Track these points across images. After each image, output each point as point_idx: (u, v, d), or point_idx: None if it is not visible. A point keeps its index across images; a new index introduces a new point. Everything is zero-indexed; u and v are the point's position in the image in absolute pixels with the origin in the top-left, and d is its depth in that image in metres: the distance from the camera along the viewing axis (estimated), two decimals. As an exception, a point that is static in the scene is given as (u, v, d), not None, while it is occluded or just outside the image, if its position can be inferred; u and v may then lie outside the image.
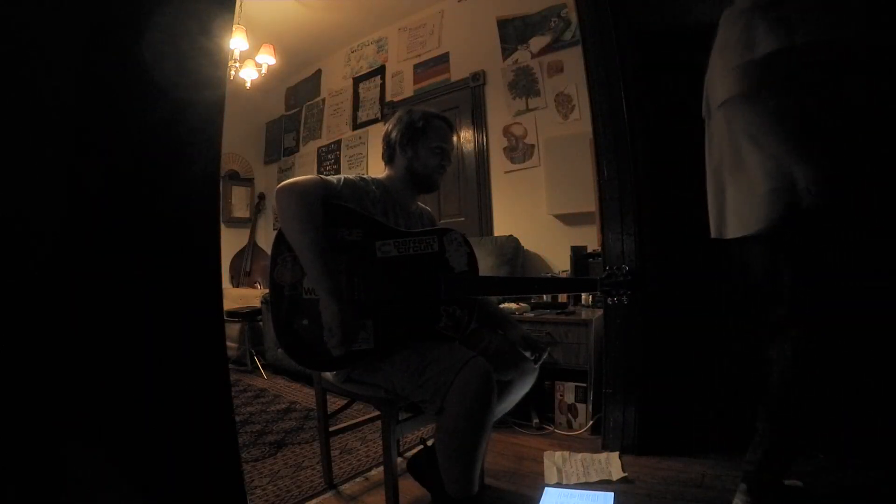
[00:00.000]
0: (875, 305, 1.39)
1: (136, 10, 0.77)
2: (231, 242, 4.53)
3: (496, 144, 3.18)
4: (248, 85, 3.59)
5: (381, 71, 3.95)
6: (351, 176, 1.34)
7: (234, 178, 4.80)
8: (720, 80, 1.23)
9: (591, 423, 2.07)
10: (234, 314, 3.56)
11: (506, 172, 3.14)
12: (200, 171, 0.86)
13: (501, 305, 2.26)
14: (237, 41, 3.16)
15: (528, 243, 2.93)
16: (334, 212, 1.24)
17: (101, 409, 0.73)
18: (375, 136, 3.91)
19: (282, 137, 4.89)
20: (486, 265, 2.68)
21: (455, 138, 1.48)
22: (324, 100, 4.45)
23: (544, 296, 2.53)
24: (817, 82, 1.12)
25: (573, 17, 2.75)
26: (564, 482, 1.61)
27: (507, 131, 3.13)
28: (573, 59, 2.76)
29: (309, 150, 4.56)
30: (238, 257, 4.57)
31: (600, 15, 1.91)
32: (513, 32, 3.11)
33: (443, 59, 3.51)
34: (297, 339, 1.23)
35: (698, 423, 1.84)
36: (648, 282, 1.76)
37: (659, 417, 1.84)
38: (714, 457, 1.70)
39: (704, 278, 1.73)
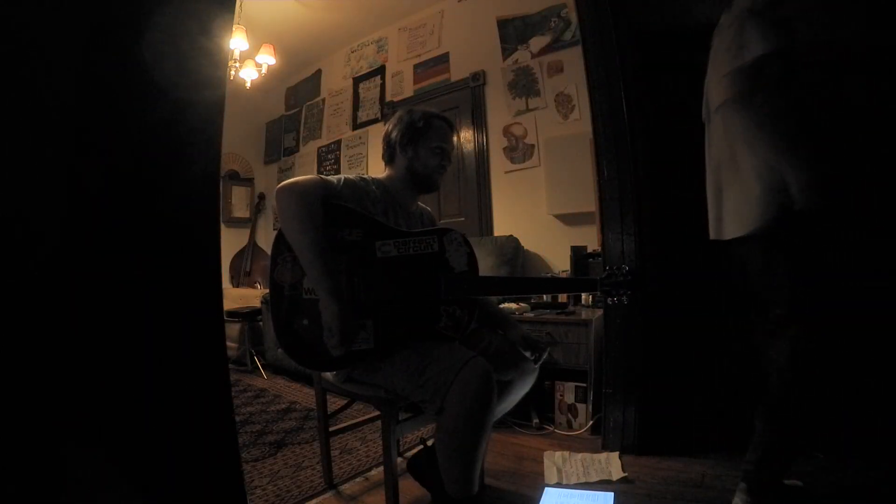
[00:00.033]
0: (871, 305, 1.41)
1: (136, 10, 0.77)
2: (231, 242, 4.53)
3: (496, 144, 3.18)
4: (248, 85, 3.59)
5: (381, 71, 3.95)
6: (351, 176, 1.34)
7: (234, 178, 4.80)
8: (715, 86, 1.25)
9: (591, 423, 2.07)
10: (234, 314, 3.56)
11: (506, 172, 3.14)
12: (200, 171, 0.86)
13: (501, 305, 2.26)
14: (237, 41, 3.16)
15: (528, 243, 2.93)
16: (334, 212, 1.24)
17: (101, 409, 0.73)
18: (375, 136, 3.91)
19: (282, 137, 4.89)
20: (486, 265, 2.68)
21: (455, 138, 1.48)
22: (324, 100, 4.45)
23: (544, 296, 2.53)
24: (807, 84, 1.14)
25: (573, 17, 2.75)
26: (564, 482, 1.61)
27: (507, 131, 3.13)
28: (573, 59, 2.76)
29: (309, 150, 4.56)
30: (238, 257, 4.57)
31: (600, 15, 1.91)
32: (513, 32, 3.11)
33: (443, 59, 3.51)
34: (297, 339, 1.23)
35: (698, 423, 1.84)
36: (648, 282, 1.76)
37: (659, 417, 1.84)
38: (714, 457, 1.70)
39: (704, 278, 1.73)
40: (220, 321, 0.92)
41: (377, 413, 1.61)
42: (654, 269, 1.84)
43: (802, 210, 1.09)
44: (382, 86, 3.93)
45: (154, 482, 0.76)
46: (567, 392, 2.16)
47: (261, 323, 3.58)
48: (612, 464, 1.71)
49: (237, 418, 2.35)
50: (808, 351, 1.20)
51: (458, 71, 3.41)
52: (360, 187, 1.33)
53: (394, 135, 1.40)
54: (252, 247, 4.62)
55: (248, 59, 3.52)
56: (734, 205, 1.24)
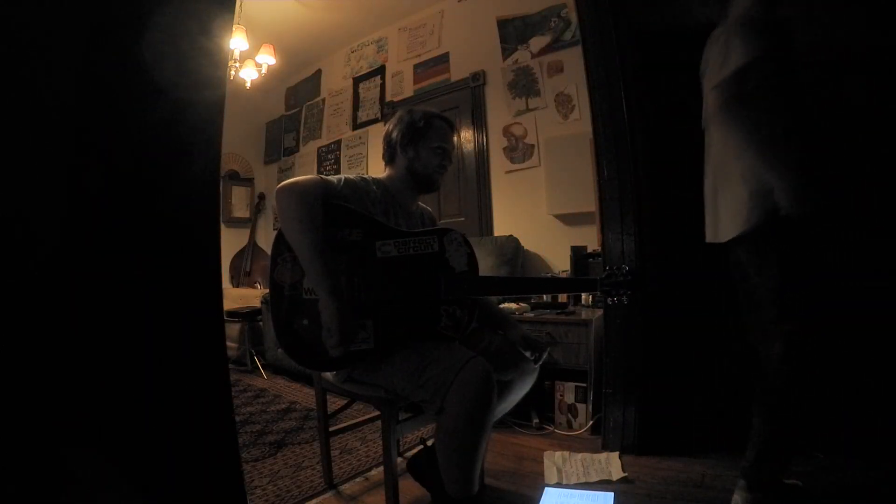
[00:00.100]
0: (862, 304, 1.47)
1: (136, 10, 0.77)
2: (231, 242, 4.53)
3: (496, 144, 3.18)
4: (248, 85, 3.59)
5: (381, 71, 3.95)
6: (351, 176, 1.34)
7: (234, 178, 4.80)
8: (707, 96, 1.31)
9: (591, 423, 2.07)
10: (234, 314, 3.56)
11: (506, 172, 3.14)
12: (200, 171, 0.86)
13: (501, 305, 2.26)
14: (237, 41, 3.16)
15: (528, 243, 2.93)
16: (334, 212, 1.24)
17: (101, 409, 0.73)
18: (375, 136, 3.91)
19: (282, 137, 4.89)
20: (486, 265, 2.68)
21: (455, 138, 1.48)
22: (324, 100, 4.45)
23: (544, 296, 2.53)
24: (789, 91, 1.21)
25: (573, 17, 2.75)
26: (564, 482, 1.61)
27: (507, 131, 3.13)
28: (573, 59, 2.76)
29: (309, 150, 4.56)
30: (238, 257, 4.57)
31: (600, 15, 1.91)
32: (513, 32, 3.11)
33: (443, 59, 3.51)
34: (297, 339, 1.23)
35: (698, 423, 1.84)
36: (648, 282, 1.76)
37: (659, 417, 1.84)
38: (714, 457, 1.70)
39: (704, 278, 1.73)
40: (220, 321, 0.92)
41: (377, 413, 1.61)
42: (654, 269, 1.84)
43: (788, 215, 1.15)
44: (382, 86, 3.93)
45: (154, 482, 0.76)
46: (567, 392, 2.16)
47: (261, 323, 3.58)
48: (612, 464, 1.71)
49: (237, 418, 2.35)
50: (802, 349, 1.23)
51: (458, 71, 3.41)
52: (361, 187, 1.33)
53: (394, 135, 1.40)
54: (252, 247, 4.62)
55: (248, 59, 3.51)
56: (726, 208, 1.29)
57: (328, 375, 1.47)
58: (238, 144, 4.86)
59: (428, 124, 1.38)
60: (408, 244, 1.28)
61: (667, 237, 1.85)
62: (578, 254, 2.43)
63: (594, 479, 1.62)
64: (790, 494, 1.36)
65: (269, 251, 1.34)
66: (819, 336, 1.24)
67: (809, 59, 1.18)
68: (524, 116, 3.04)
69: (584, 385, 2.11)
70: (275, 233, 1.28)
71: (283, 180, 1.25)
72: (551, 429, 2.15)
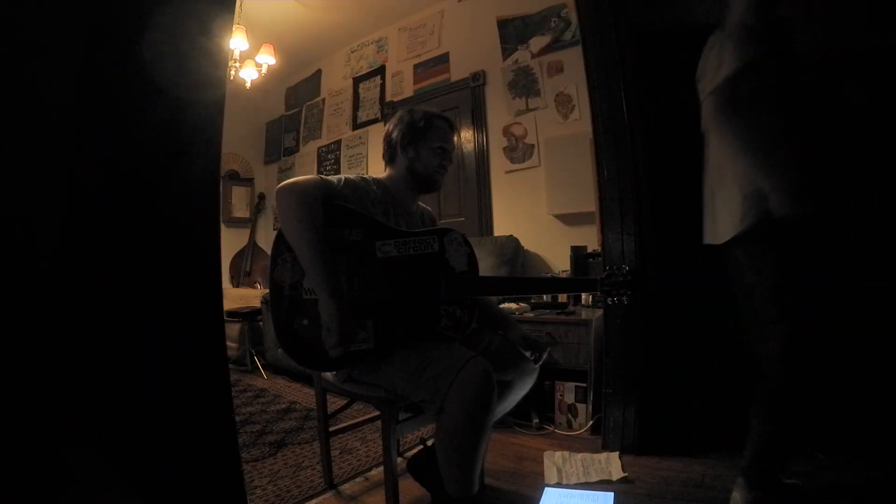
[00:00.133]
0: (863, 305, 1.50)
1: (136, 10, 0.77)
2: (231, 242, 4.53)
3: (496, 144, 3.18)
4: (248, 85, 3.59)
5: (381, 71, 3.95)
6: (352, 176, 1.34)
7: (234, 178, 4.80)
8: (704, 102, 1.34)
9: (591, 423, 2.07)
10: (234, 314, 3.56)
11: (506, 172, 3.14)
12: (200, 171, 0.86)
13: (501, 305, 2.26)
14: (237, 41, 3.16)
15: (528, 243, 2.93)
16: (334, 212, 1.24)
17: (101, 409, 0.73)
18: (375, 136, 3.91)
19: (282, 137, 4.89)
20: (486, 265, 2.68)
21: (456, 138, 1.48)
22: (324, 100, 4.45)
23: (544, 296, 2.53)
24: (778, 97, 1.24)
25: (573, 17, 2.75)
26: (564, 482, 1.61)
27: (507, 131, 3.13)
28: (573, 59, 2.76)
29: (309, 150, 4.56)
30: (238, 257, 4.57)
31: (600, 15, 1.91)
32: (513, 32, 3.11)
33: (443, 59, 3.51)
34: (297, 339, 1.23)
35: (698, 423, 1.84)
36: (648, 282, 1.76)
37: (659, 417, 1.84)
38: (714, 457, 1.70)
39: (704, 278, 1.73)
40: (220, 321, 0.92)
41: (377, 413, 1.61)
42: (654, 269, 1.84)
43: (781, 218, 1.18)
44: (382, 86, 3.93)
45: (154, 482, 0.76)
46: (567, 392, 2.16)
47: (261, 323, 3.58)
48: (612, 464, 1.71)
49: (237, 418, 2.35)
50: (800, 349, 1.24)
51: (458, 71, 3.41)
52: (361, 187, 1.32)
53: (394, 135, 1.40)
54: (252, 247, 4.62)
55: (248, 59, 3.51)
56: (723, 210, 1.32)
57: (328, 375, 1.47)
58: (238, 144, 4.86)
59: (428, 124, 1.38)
60: (408, 244, 1.28)
61: (667, 237, 1.85)
62: (578, 254, 2.43)
63: (594, 479, 1.62)
64: (789, 494, 1.36)
65: (269, 251, 1.34)
66: (817, 335, 1.26)
67: (809, 59, 1.18)
68: (524, 116, 3.04)
69: (584, 385, 2.11)
70: (275, 233, 1.28)
71: (283, 180, 1.24)
72: (551, 429, 2.15)
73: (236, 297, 3.96)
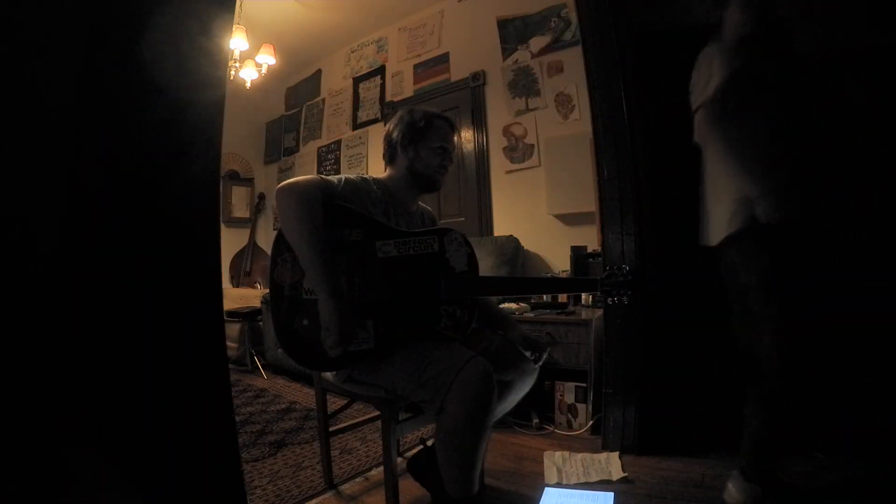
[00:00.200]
0: (861, 304, 1.54)
1: (136, 10, 0.77)
2: (231, 242, 4.53)
3: (496, 144, 3.18)
4: (248, 85, 3.59)
5: (381, 71, 3.95)
6: (352, 176, 1.34)
7: (234, 178, 4.80)
8: (695, 115, 1.39)
9: (591, 423, 2.07)
10: (234, 314, 3.56)
11: (506, 172, 3.14)
12: (200, 171, 0.86)
13: (501, 305, 2.26)
14: (237, 41, 3.16)
15: (528, 243, 2.93)
16: (334, 212, 1.24)
17: (101, 409, 0.73)
18: (375, 136, 3.91)
19: (282, 137, 4.89)
20: (486, 265, 2.68)
21: (456, 138, 1.48)
22: (324, 100, 4.45)
23: (544, 296, 2.52)
24: (766, 108, 1.30)
25: (573, 17, 2.75)
26: (564, 482, 1.61)
27: (507, 131, 3.13)
28: (573, 59, 2.75)
29: (309, 150, 4.56)
30: (238, 257, 4.57)
31: (600, 15, 1.91)
32: (513, 32, 3.11)
33: (443, 59, 3.51)
34: (297, 339, 1.23)
35: (698, 423, 1.84)
36: (648, 282, 1.76)
37: (659, 417, 1.83)
38: (714, 457, 1.70)
39: (704, 278, 1.73)
40: (220, 321, 0.92)
41: (377, 413, 1.61)
42: (654, 269, 1.84)
43: (767, 223, 1.25)
44: (382, 86, 3.92)
45: (154, 482, 0.76)
46: (567, 392, 2.16)
47: (261, 323, 3.58)
48: (612, 464, 1.71)
49: (237, 418, 2.35)
50: (792, 345, 1.29)
51: (458, 71, 3.41)
52: (361, 187, 1.32)
53: (395, 135, 1.40)
54: (252, 247, 4.62)
55: (248, 59, 3.51)
56: (716, 213, 1.37)
57: (328, 375, 1.47)
58: (238, 144, 4.86)
59: (428, 124, 1.38)
60: (408, 244, 1.28)
61: (667, 237, 1.85)
62: (578, 254, 2.43)
63: (594, 479, 1.62)
64: (783, 486, 1.38)
65: (269, 251, 1.34)
66: (809, 333, 1.31)
67: (809, 59, 1.19)
68: (524, 116, 3.04)
69: (584, 385, 2.11)
70: (275, 233, 1.28)
71: (283, 180, 1.24)
72: (551, 429, 2.15)
73: (236, 297, 3.96)
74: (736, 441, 1.40)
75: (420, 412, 1.40)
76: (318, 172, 3.71)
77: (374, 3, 3.60)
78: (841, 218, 1.57)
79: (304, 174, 1.48)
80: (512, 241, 2.85)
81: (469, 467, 1.16)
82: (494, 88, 3.20)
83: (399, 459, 1.58)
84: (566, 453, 1.82)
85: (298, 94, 4.73)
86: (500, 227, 3.14)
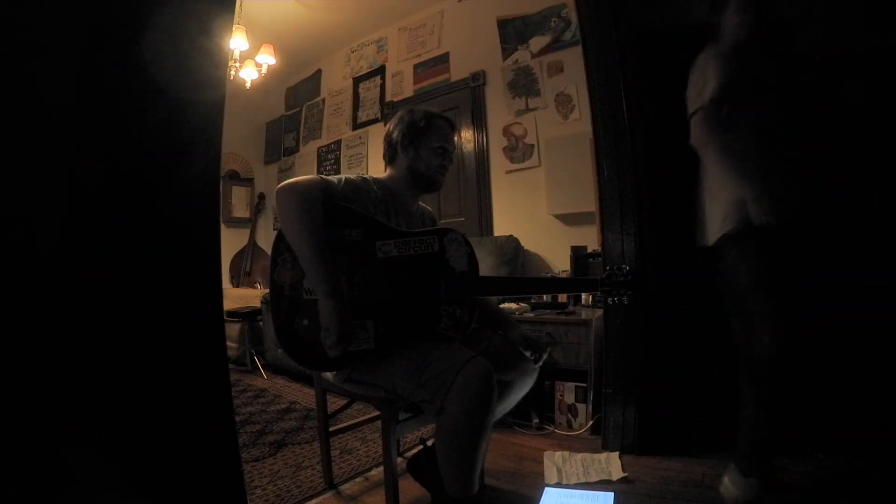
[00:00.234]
0: (859, 305, 1.56)
1: (136, 10, 0.77)
2: (231, 242, 4.53)
3: (496, 144, 3.18)
4: (248, 85, 3.59)
5: (381, 71, 3.95)
6: (352, 176, 1.33)
7: (234, 178, 4.80)
8: (691, 120, 1.42)
9: (591, 423, 2.07)
10: (234, 314, 3.56)
11: (506, 172, 3.14)
12: (200, 171, 0.86)
13: (501, 305, 2.26)
14: (237, 41, 3.16)
15: (528, 243, 2.93)
16: (334, 212, 1.24)
17: (101, 409, 0.73)
18: (375, 136, 3.91)
19: (282, 137, 4.89)
20: (486, 265, 2.68)
21: (456, 138, 1.48)
22: (324, 100, 4.45)
23: (544, 296, 2.52)
24: (758, 114, 1.33)
25: (573, 17, 2.75)
26: (564, 482, 1.61)
27: (507, 131, 3.13)
28: (573, 59, 2.76)
29: (309, 150, 4.56)
30: (238, 257, 4.57)
31: (600, 15, 1.91)
32: (513, 32, 3.11)
33: (443, 59, 3.51)
34: (296, 339, 1.23)
35: (698, 423, 1.84)
36: (648, 282, 1.76)
37: (659, 417, 1.83)
38: (714, 457, 1.70)
39: (705, 278, 1.73)
40: (220, 321, 0.92)
41: (377, 413, 1.61)
42: (654, 269, 1.84)
43: (760, 225, 1.28)
44: (382, 86, 3.93)
45: (154, 482, 0.76)
46: (567, 392, 2.16)
47: (261, 323, 3.58)
48: (612, 464, 1.71)
49: (237, 418, 2.35)
50: (786, 342, 1.30)
51: (458, 71, 3.41)
52: (361, 187, 1.32)
53: (395, 135, 1.40)
54: (252, 247, 4.62)
55: (248, 59, 3.51)
56: (712, 214, 1.40)
57: (328, 375, 1.47)
58: (238, 144, 4.86)
59: (429, 124, 1.38)
60: (408, 244, 1.28)
61: (667, 237, 1.85)
62: (578, 254, 2.43)
63: (594, 479, 1.62)
64: (779, 480, 1.39)
65: (269, 251, 1.34)
66: (807, 333, 1.33)
67: (809, 59, 1.20)
68: (524, 116, 3.04)
69: (584, 385, 2.11)
70: (275, 233, 1.28)
71: (283, 180, 1.24)
72: (551, 429, 2.15)
73: (236, 297, 3.96)
74: (736, 441, 1.40)
75: (420, 412, 1.40)
76: (318, 172, 3.71)
77: (374, 3, 3.60)
78: (840, 218, 1.57)
79: (304, 174, 1.48)
80: (512, 241, 2.85)
81: (469, 467, 1.16)
82: (494, 88, 3.20)
83: (399, 459, 1.58)
84: (566, 453, 1.82)
85: (298, 94, 4.73)
86: (500, 227, 3.14)
